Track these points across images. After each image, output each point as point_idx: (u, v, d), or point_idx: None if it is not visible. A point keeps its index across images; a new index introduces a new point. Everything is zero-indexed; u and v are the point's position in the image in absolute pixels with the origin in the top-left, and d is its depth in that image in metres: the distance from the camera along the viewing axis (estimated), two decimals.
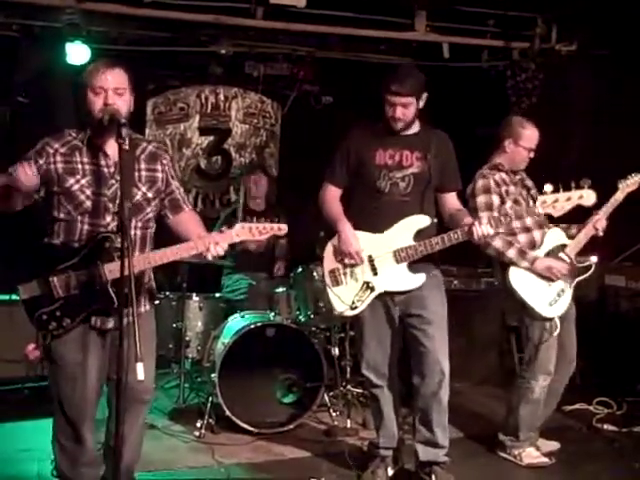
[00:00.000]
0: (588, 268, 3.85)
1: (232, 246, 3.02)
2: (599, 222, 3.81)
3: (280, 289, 4.92)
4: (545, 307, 3.76)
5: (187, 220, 3.04)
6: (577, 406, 4.81)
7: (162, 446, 4.11)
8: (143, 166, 2.93)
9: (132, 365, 2.38)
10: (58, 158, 2.82)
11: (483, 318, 5.33)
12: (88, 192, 2.81)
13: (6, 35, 5.19)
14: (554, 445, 4.06)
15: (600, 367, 5.14)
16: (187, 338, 4.79)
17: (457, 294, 5.04)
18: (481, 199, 3.79)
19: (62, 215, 2.83)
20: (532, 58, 5.77)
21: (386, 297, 3.48)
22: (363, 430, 4.36)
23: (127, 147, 2.61)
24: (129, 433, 2.82)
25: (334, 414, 4.53)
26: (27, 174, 2.76)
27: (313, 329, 4.74)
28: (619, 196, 3.82)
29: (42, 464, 3.41)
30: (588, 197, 3.29)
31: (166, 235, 3.06)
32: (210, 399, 4.33)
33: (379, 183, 3.45)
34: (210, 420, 4.30)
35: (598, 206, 3.69)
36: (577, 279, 3.84)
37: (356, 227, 3.45)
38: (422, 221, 3.44)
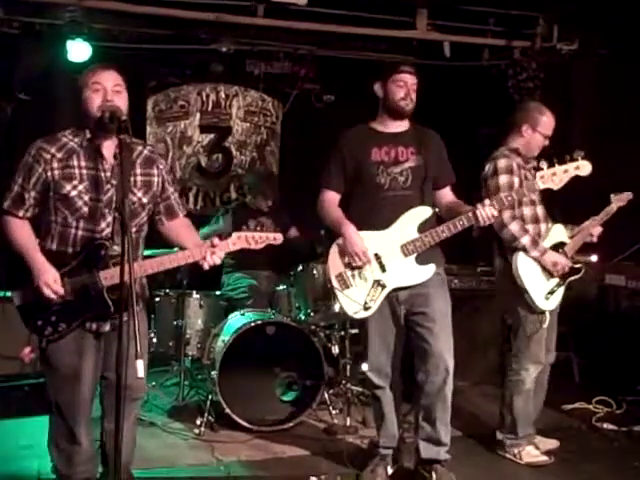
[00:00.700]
0: (580, 270, 3.89)
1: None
2: (595, 229, 3.93)
3: (280, 287, 4.92)
4: (542, 300, 3.79)
5: (181, 226, 3.06)
6: (577, 405, 4.80)
7: (162, 443, 4.12)
8: (139, 171, 2.92)
9: (131, 362, 2.38)
10: (55, 164, 2.78)
11: (483, 318, 5.32)
12: (86, 198, 2.79)
13: (7, 32, 5.17)
14: (553, 443, 4.07)
15: (600, 366, 5.15)
16: (187, 336, 4.79)
17: (457, 293, 5.01)
18: (504, 178, 3.73)
19: (58, 219, 2.81)
20: (533, 57, 5.76)
21: (392, 296, 3.48)
22: (363, 428, 4.36)
23: (129, 140, 2.59)
24: (125, 430, 2.81)
25: (334, 412, 4.52)
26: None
27: (313, 327, 4.73)
28: (612, 208, 3.93)
29: (42, 461, 3.40)
30: (584, 167, 3.36)
31: (154, 234, 3.09)
32: (210, 397, 4.33)
33: (379, 179, 3.45)
34: (210, 418, 4.30)
35: (596, 212, 3.90)
36: (569, 279, 3.86)
37: (359, 228, 3.43)
38: (425, 212, 3.45)
